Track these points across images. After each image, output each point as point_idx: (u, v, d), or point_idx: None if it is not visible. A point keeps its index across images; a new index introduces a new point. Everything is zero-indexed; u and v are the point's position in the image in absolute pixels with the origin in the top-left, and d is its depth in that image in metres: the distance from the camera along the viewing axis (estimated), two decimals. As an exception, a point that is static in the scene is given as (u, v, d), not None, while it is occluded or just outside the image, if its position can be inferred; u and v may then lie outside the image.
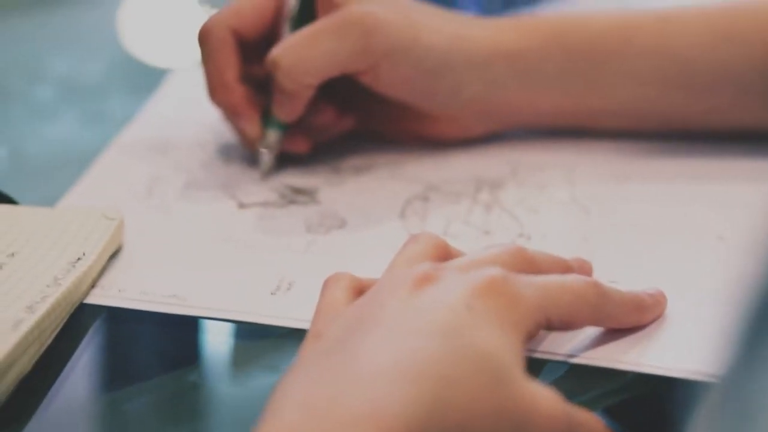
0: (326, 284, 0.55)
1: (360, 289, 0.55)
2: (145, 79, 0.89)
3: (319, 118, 0.72)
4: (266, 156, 0.71)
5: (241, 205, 0.69)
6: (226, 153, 0.74)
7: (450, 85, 0.70)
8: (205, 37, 0.70)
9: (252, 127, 0.70)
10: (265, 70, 0.69)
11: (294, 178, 0.72)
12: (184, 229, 0.66)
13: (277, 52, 0.68)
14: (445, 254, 0.55)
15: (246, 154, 0.73)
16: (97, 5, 1.08)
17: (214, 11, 0.71)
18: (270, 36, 0.71)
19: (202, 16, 1.00)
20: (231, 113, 0.71)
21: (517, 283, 0.51)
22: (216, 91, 0.70)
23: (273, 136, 0.71)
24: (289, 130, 0.71)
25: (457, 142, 0.74)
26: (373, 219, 0.67)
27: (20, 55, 0.94)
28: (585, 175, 0.71)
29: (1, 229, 0.63)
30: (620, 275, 0.61)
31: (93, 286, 0.61)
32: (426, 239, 0.56)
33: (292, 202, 0.69)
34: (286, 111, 0.69)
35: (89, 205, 0.68)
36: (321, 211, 0.68)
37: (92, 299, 0.61)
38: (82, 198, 0.69)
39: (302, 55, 0.67)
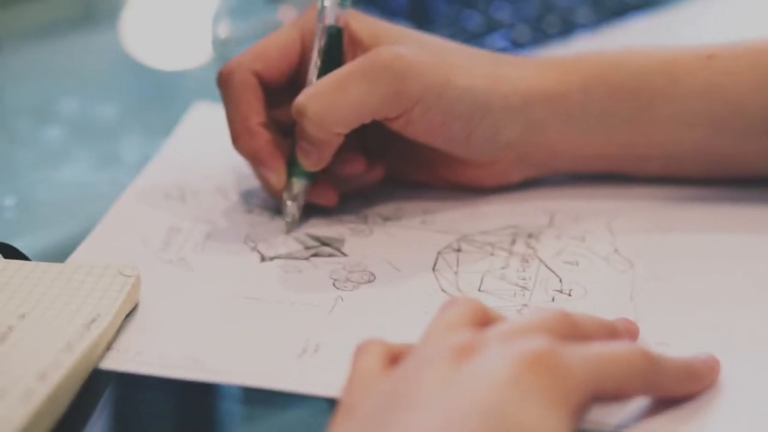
0: (358, 352, 0.52)
1: (394, 357, 0.52)
2: (161, 117, 0.86)
3: (348, 168, 0.68)
4: (291, 208, 0.67)
5: (263, 258, 0.65)
6: (247, 199, 0.71)
7: (486, 129, 0.66)
8: (226, 80, 0.67)
9: (277, 176, 0.67)
10: (290, 115, 0.65)
11: (318, 228, 0.68)
12: (203, 285, 0.63)
13: (303, 99, 0.64)
14: (484, 319, 0.52)
15: (268, 200, 0.70)
16: (102, 30, 1.05)
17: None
18: (294, 78, 0.68)
19: (205, 18, 0.97)
20: (255, 161, 0.67)
21: (563, 356, 0.48)
22: (239, 137, 0.67)
23: (298, 185, 0.67)
24: (315, 179, 0.67)
25: (493, 189, 0.70)
26: (403, 273, 0.64)
27: (27, 93, 0.90)
28: (627, 224, 0.68)
29: (11, 287, 0.60)
30: (669, 336, 0.58)
31: (108, 348, 0.58)
32: (464, 304, 0.52)
33: (316, 254, 0.66)
34: (313, 161, 0.65)
35: (103, 259, 0.64)
36: (348, 264, 0.65)
37: (107, 363, 0.57)
38: (96, 250, 0.66)
39: (331, 102, 0.63)
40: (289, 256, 0.65)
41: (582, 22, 0.97)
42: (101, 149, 0.81)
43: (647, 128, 0.68)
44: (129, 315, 0.60)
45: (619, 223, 0.68)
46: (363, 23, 0.67)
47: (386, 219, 0.69)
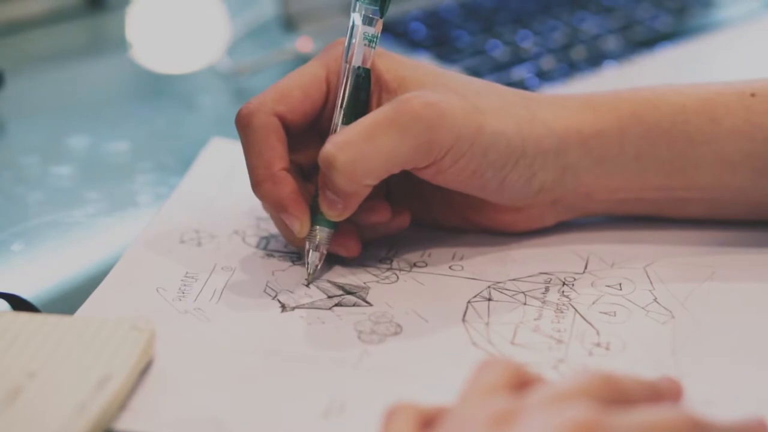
0: (388, 417, 0.49)
1: (426, 421, 0.49)
2: (176, 153, 0.84)
3: (372, 217, 0.65)
4: (314, 257, 0.64)
5: (285, 308, 0.62)
6: (267, 243, 0.68)
7: (520, 174, 0.63)
8: (247, 122, 0.63)
9: (300, 224, 0.63)
10: (312, 158, 0.62)
11: (341, 275, 0.65)
12: (221, 338, 0.60)
13: (332, 149, 0.60)
14: (522, 381, 0.50)
15: (288, 244, 0.67)
16: (109, 59, 1.03)
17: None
18: (317, 119, 0.65)
19: (219, 44, 0.95)
20: (278, 209, 0.63)
21: (607, 426, 0.45)
22: (261, 184, 0.63)
23: (322, 235, 0.64)
24: (337, 228, 0.64)
25: (525, 233, 0.67)
26: (431, 324, 0.61)
27: (34, 129, 0.88)
28: (666, 270, 0.65)
29: (20, 342, 0.57)
30: (714, 394, 0.55)
31: (122, 408, 0.55)
32: (501, 366, 0.50)
33: (339, 304, 0.63)
34: (338, 211, 0.62)
35: (116, 310, 0.61)
36: (373, 314, 0.62)
37: (122, 424, 0.54)
38: (108, 300, 0.62)
39: (360, 153, 0.60)
40: (312, 306, 0.62)
41: (610, 53, 0.95)
42: (113, 189, 0.79)
43: (686, 170, 0.65)
44: (143, 371, 0.57)
45: (657, 269, 0.65)
46: (388, 63, 0.64)
47: (412, 265, 0.66)
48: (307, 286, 0.64)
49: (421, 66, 0.65)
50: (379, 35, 0.63)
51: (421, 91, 0.61)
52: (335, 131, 0.63)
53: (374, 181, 0.61)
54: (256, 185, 0.63)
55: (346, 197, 0.61)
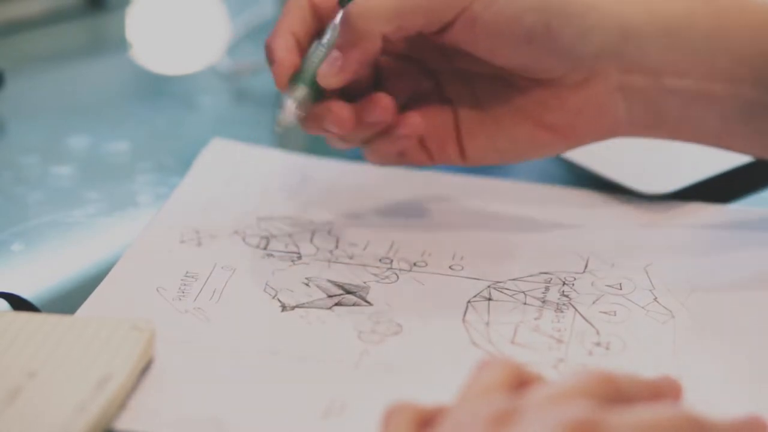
0: (387, 417, 0.49)
1: (425, 422, 0.49)
2: (176, 153, 0.83)
3: (374, 112, 0.62)
4: (291, 106, 0.61)
5: (285, 308, 0.62)
6: (267, 243, 0.67)
7: (568, 23, 0.59)
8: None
9: (280, 74, 0.61)
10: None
11: (340, 274, 0.65)
12: (221, 338, 0.60)
13: None
14: (521, 381, 0.50)
15: (289, 244, 0.67)
16: (110, 58, 1.03)
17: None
18: None
19: (219, 44, 0.95)
20: (268, 57, 0.62)
21: (606, 424, 0.45)
22: (267, 40, 0.62)
23: (302, 91, 0.61)
24: (320, 98, 0.62)
25: (593, 142, 0.64)
26: (431, 324, 0.61)
27: (34, 129, 0.88)
28: (666, 269, 0.64)
29: (20, 342, 0.57)
30: (714, 394, 0.55)
31: (122, 407, 0.55)
32: (500, 366, 0.49)
33: (339, 303, 0.63)
34: (335, 69, 0.60)
35: (116, 309, 0.61)
36: (373, 314, 0.62)
37: (122, 424, 0.54)
38: (108, 300, 0.62)
39: None
40: (312, 305, 0.62)
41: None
42: (113, 189, 0.78)
43: (754, 60, 0.60)
44: (143, 370, 0.57)
45: (658, 269, 0.65)
46: None
47: (412, 265, 0.66)
48: (276, 131, 0.63)
49: None
50: None
51: None
52: None
53: (389, 24, 0.59)
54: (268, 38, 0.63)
55: (351, 46, 0.60)
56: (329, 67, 0.61)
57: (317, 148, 0.70)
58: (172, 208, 0.71)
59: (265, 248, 0.67)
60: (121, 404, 0.55)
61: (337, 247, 0.67)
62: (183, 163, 0.76)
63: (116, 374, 0.55)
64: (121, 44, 1.05)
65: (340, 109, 0.62)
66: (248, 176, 0.74)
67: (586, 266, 0.65)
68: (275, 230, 0.68)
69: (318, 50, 0.62)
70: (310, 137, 0.69)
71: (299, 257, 0.66)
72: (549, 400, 0.47)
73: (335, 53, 0.60)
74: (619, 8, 0.60)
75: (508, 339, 0.60)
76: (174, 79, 1.02)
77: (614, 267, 0.65)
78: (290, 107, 0.61)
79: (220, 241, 0.68)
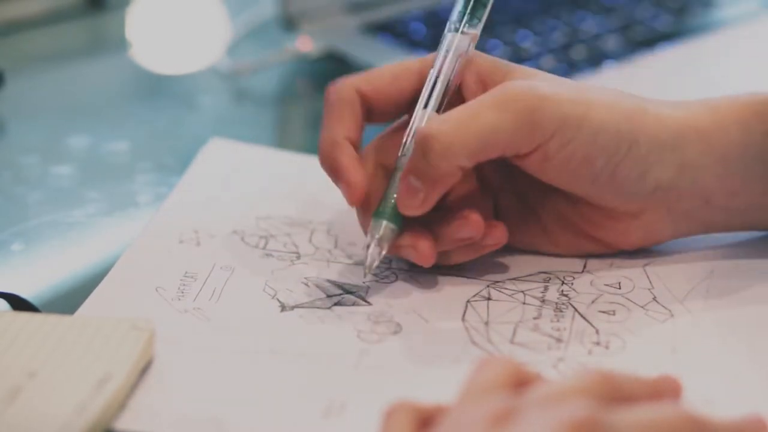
0: (387, 416, 0.49)
1: (425, 421, 0.49)
2: (175, 152, 0.84)
3: (464, 229, 0.62)
4: (374, 252, 0.61)
5: (284, 307, 0.62)
6: (266, 242, 0.68)
7: (633, 166, 0.60)
8: (327, 96, 0.63)
9: (352, 193, 0.62)
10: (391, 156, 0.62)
11: (339, 273, 0.65)
12: (221, 338, 0.60)
13: (433, 123, 0.59)
14: (520, 380, 0.50)
15: (288, 243, 0.67)
16: (109, 58, 1.03)
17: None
18: (401, 111, 0.64)
19: (219, 43, 0.95)
20: (333, 173, 0.62)
21: (605, 423, 0.45)
22: (321, 151, 0.62)
23: (386, 231, 0.61)
24: (402, 229, 0.61)
25: (638, 247, 0.65)
26: (430, 324, 0.61)
27: (34, 129, 0.88)
28: (666, 268, 0.64)
29: (19, 342, 0.57)
30: (715, 393, 0.55)
31: (122, 407, 0.55)
32: (499, 365, 0.50)
33: (339, 303, 0.63)
34: (418, 202, 0.60)
35: (115, 309, 0.61)
36: (372, 313, 0.62)
37: (122, 424, 0.54)
38: (107, 299, 0.62)
39: (461, 126, 0.58)
40: (311, 305, 0.62)
41: (610, 52, 0.95)
42: (113, 189, 0.79)
43: None
44: (143, 370, 0.57)
45: (656, 268, 0.64)
46: (487, 59, 0.63)
47: (411, 264, 0.66)
48: (363, 278, 0.63)
49: (522, 66, 0.63)
50: (472, 45, 0.63)
51: (523, 81, 0.60)
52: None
53: (470, 161, 0.59)
54: (318, 153, 0.63)
55: (432, 182, 0.59)
56: (410, 198, 0.60)
57: (316, 147, 0.70)
58: (171, 207, 0.71)
59: (264, 248, 0.67)
60: (120, 404, 0.55)
61: (336, 246, 0.67)
62: (183, 163, 0.76)
63: (116, 374, 0.55)
64: (121, 44, 1.05)
65: (426, 247, 0.62)
66: (247, 176, 0.74)
67: (584, 265, 0.65)
68: (274, 230, 0.69)
69: (397, 180, 0.61)
70: (309, 136, 0.69)
71: (298, 257, 0.66)
72: (548, 399, 0.47)
73: (415, 183, 0.60)
74: (681, 142, 0.61)
75: (507, 338, 0.60)
76: (174, 78, 1.02)
77: (613, 266, 0.65)
78: (375, 253, 0.61)
79: (219, 240, 0.68)
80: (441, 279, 0.64)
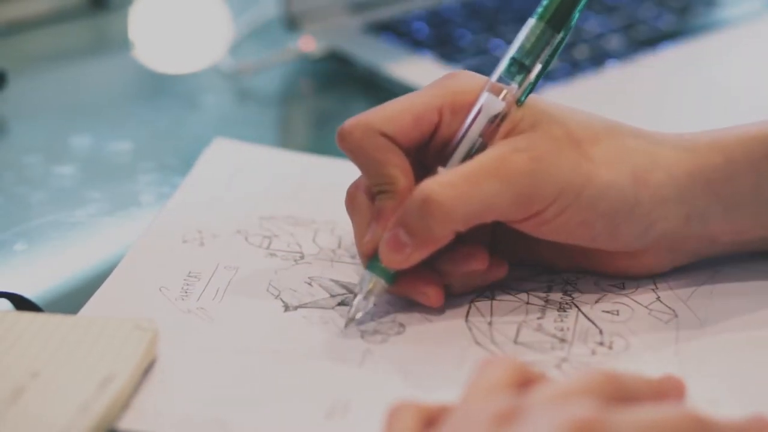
0: (390, 416, 0.49)
1: (429, 421, 0.49)
2: (178, 153, 0.84)
3: (471, 264, 0.61)
4: (360, 304, 0.60)
5: (287, 307, 0.62)
6: (269, 242, 0.67)
7: (635, 224, 0.60)
8: (349, 140, 0.60)
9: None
10: None
11: (343, 273, 0.65)
12: (224, 338, 0.60)
13: (435, 185, 0.57)
14: (525, 379, 0.50)
15: (291, 243, 0.67)
16: (112, 58, 1.03)
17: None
18: (420, 152, 0.62)
19: (222, 43, 0.95)
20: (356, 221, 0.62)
21: (610, 423, 0.45)
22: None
23: (374, 285, 0.60)
24: (392, 282, 0.60)
25: (640, 278, 0.64)
26: (434, 324, 0.61)
27: (37, 129, 0.88)
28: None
29: (23, 342, 0.57)
30: (719, 394, 0.55)
31: (125, 407, 0.55)
32: (503, 364, 0.50)
33: (342, 303, 0.62)
34: (403, 257, 0.58)
35: (119, 309, 0.61)
36: (376, 314, 0.61)
37: (125, 424, 0.54)
38: (111, 299, 0.62)
39: (462, 194, 0.57)
40: (315, 305, 0.62)
41: (613, 52, 0.95)
42: (115, 189, 0.79)
43: None
44: (146, 370, 0.57)
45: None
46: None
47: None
48: (344, 328, 0.61)
49: (538, 101, 0.61)
50: (504, 114, 0.60)
51: (529, 137, 0.59)
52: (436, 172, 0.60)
53: (464, 227, 0.58)
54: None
55: (424, 242, 0.58)
56: (396, 253, 0.59)
57: (319, 147, 0.70)
58: (175, 207, 0.71)
59: (267, 248, 0.67)
60: (124, 404, 0.55)
61: (339, 246, 0.67)
62: (185, 163, 0.76)
63: (119, 374, 0.55)
64: (123, 44, 1.05)
65: (434, 293, 0.61)
66: (250, 176, 0.74)
67: (589, 265, 0.65)
68: (278, 230, 0.68)
69: None
70: (312, 136, 0.69)
71: (302, 257, 0.66)
72: (553, 399, 0.47)
73: (405, 238, 0.58)
74: (688, 195, 0.60)
75: (511, 338, 0.60)
76: (176, 78, 1.02)
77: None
78: (360, 305, 0.60)
79: (223, 240, 0.68)
80: (445, 279, 0.64)
